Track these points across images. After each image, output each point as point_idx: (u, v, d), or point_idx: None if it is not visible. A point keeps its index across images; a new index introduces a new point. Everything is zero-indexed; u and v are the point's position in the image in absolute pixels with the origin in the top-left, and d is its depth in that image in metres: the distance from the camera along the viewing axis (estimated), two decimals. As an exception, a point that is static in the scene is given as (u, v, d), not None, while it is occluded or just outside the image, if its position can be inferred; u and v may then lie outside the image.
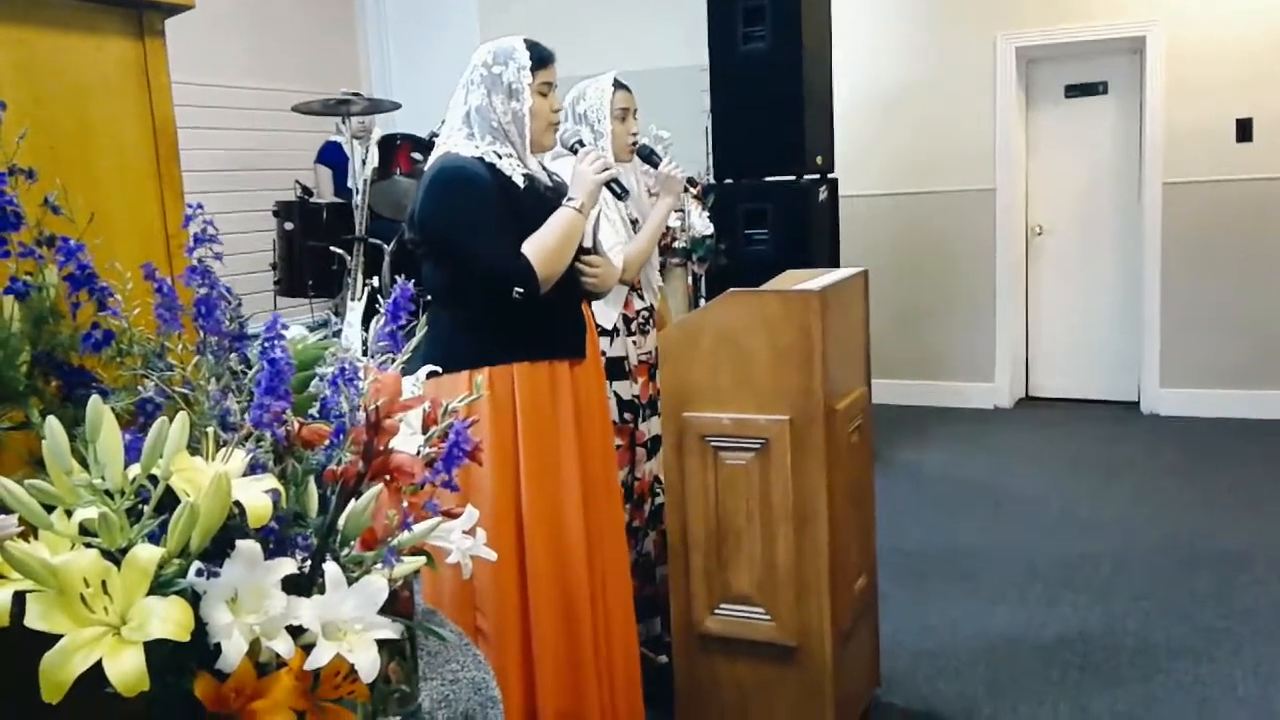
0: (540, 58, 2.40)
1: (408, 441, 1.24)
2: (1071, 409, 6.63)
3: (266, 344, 0.99)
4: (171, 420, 0.90)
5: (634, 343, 3.12)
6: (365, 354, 1.22)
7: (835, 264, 5.26)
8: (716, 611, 2.63)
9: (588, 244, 2.50)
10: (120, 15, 1.27)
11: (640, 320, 3.16)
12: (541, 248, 2.32)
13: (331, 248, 5.43)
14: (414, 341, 1.32)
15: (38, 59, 1.18)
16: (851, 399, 2.68)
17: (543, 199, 2.42)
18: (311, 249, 5.59)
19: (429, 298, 2.41)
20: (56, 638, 0.80)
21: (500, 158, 2.37)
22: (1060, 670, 3.24)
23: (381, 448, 1.04)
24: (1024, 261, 6.79)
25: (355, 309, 4.57)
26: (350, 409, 1.05)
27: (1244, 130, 6.01)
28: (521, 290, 2.29)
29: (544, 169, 2.56)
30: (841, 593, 2.59)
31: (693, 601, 2.65)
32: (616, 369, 3.06)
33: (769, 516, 2.52)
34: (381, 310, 1.22)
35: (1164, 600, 3.71)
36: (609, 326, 3.05)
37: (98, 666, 0.79)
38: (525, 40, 2.41)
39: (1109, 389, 6.67)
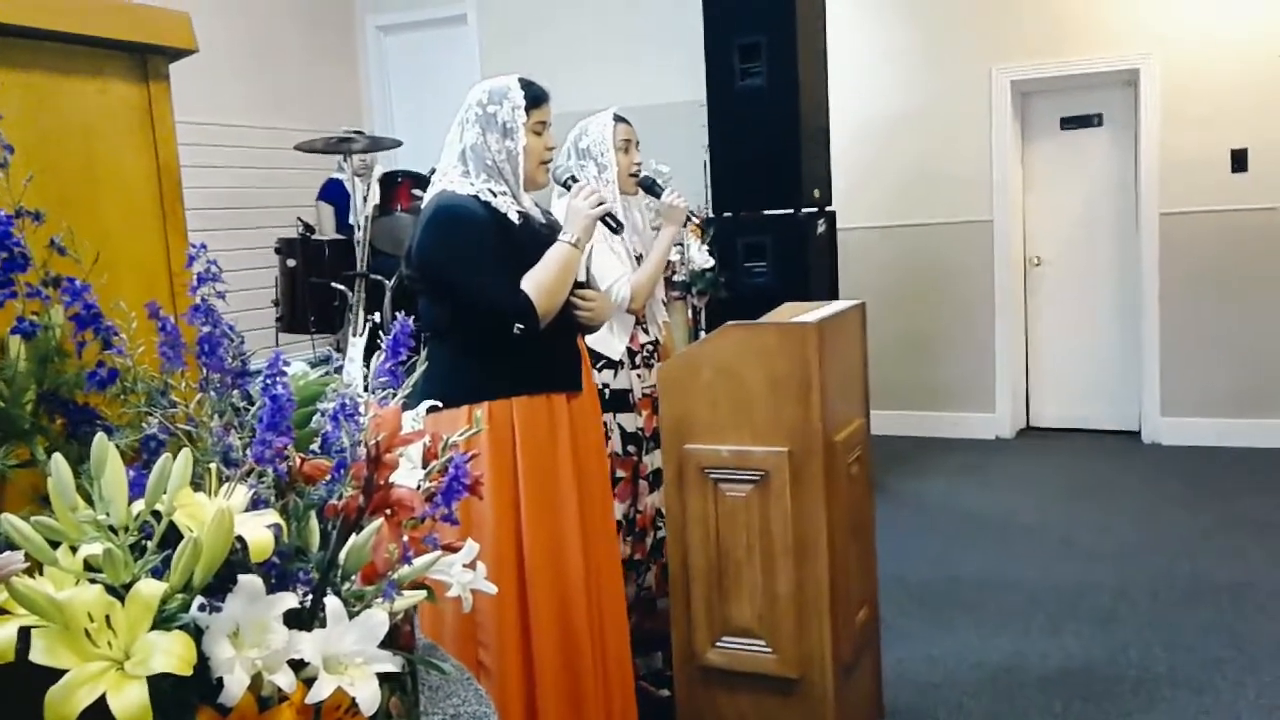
0: (535, 97, 2.43)
1: (408, 476, 1.25)
2: (1072, 439, 6.64)
3: (268, 380, 1.00)
4: (175, 457, 0.92)
5: (638, 375, 3.14)
6: (366, 389, 1.24)
7: (834, 296, 5.28)
8: (718, 644, 2.63)
9: (581, 278, 2.53)
10: (125, 59, 1.29)
11: (645, 353, 3.17)
12: (540, 283, 2.35)
13: (333, 284, 5.46)
14: (414, 377, 1.33)
15: (44, 101, 1.20)
16: (850, 430, 2.69)
17: (537, 235, 2.44)
18: (313, 285, 5.62)
19: (427, 334, 2.43)
20: (61, 672, 0.81)
21: (495, 195, 2.40)
22: (1063, 701, 3.23)
23: (382, 482, 1.05)
24: (1023, 292, 6.82)
25: (357, 345, 4.58)
26: (351, 444, 1.06)
27: (1239, 161, 6.05)
28: (522, 325, 2.31)
29: (537, 206, 2.59)
30: (843, 624, 2.59)
31: (694, 634, 2.65)
32: (621, 401, 3.07)
33: (769, 548, 2.52)
34: (383, 346, 1.23)
35: (1166, 630, 3.70)
36: (616, 358, 3.07)
37: (102, 701, 0.80)
38: (520, 79, 2.44)
39: (1110, 419, 6.67)
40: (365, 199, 5.58)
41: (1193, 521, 4.88)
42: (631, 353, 3.14)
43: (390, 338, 1.18)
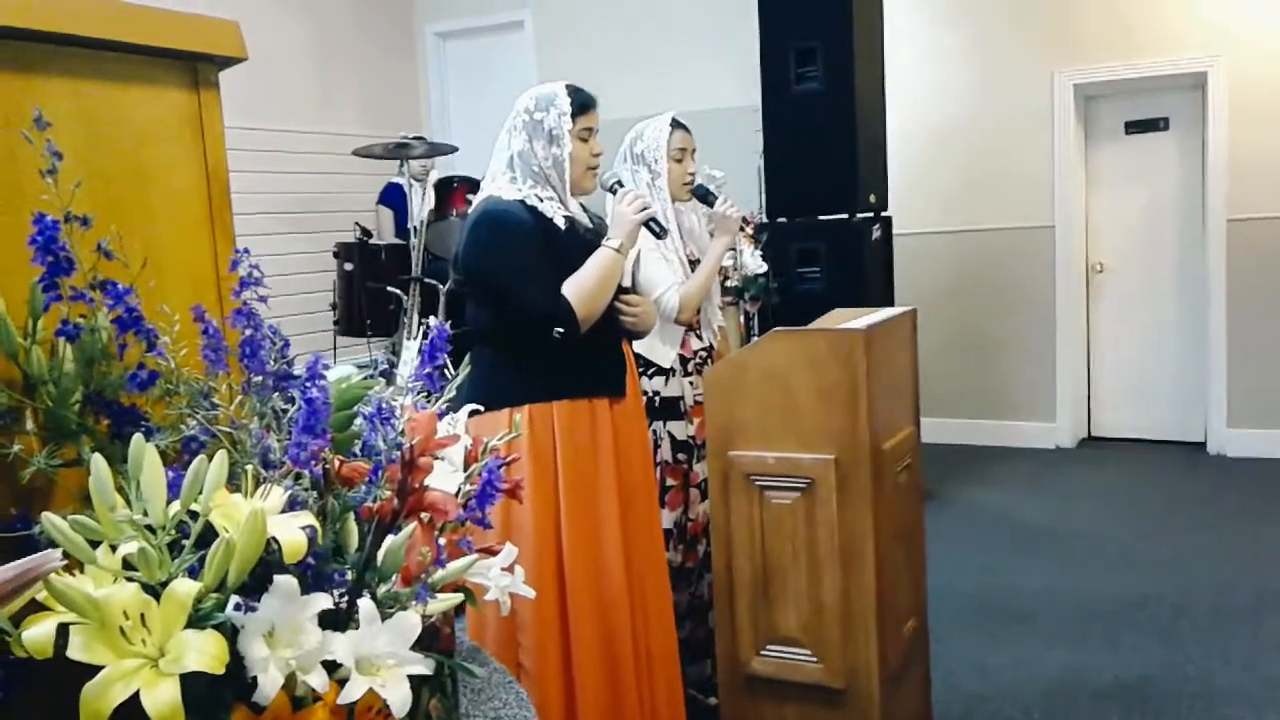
0: (581, 104, 2.43)
1: (449, 479, 1.26)
2: (1136, 449, 6.50)
3: (305, 384, 1.02)
4: (212, 458, 0.93)
5: (690, 383, 3.11)
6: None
7: (889, 302, 5.23)
8: (763, 652, 2.61)
9: (626, 283, 2.53)
10: (177, 68, 1.31)
11: (697, 360, 3.15)
12: (581, 288, 2.35)
13: (389, 288, 5.53)
14: (457, 380, 1.35)
15: (97, 109, 1.23)
16: (899, 438, 2.66)
17: (583, 240, 2.45)
18: (370, 289, 5.70)
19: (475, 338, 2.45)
20: (97, 668, 0.82)
21: (542, 200, 2.41)
22: (1119, 716, 3.16)
23: (416, 485, 1.06)
24: (1084, 299, 6.70)
25: (411, 348, 4.64)
26: (386, 447, 1.08)
27: (1310, 165, 5.90)
28: (562, 330, 2.32)
29: (585, 211, 2.59)
30: (890, 634, 2.56)
31: (739, 642, 2.63)
32: (672, 409, 3.06)
33: (815, 556, 2.50)
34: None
35: (1227, 646, 3.61)
36: (666, 366, 3.06)
37: (136, 698, 0.82)
38: (567, 86, 2.45)
39: (1174, 429, 6.53)
40: (421, 203, 5.64)
41: (1258, 535, 4.76)
42: (683, 359, 3.11)
43: (426, 343, 1.19)
